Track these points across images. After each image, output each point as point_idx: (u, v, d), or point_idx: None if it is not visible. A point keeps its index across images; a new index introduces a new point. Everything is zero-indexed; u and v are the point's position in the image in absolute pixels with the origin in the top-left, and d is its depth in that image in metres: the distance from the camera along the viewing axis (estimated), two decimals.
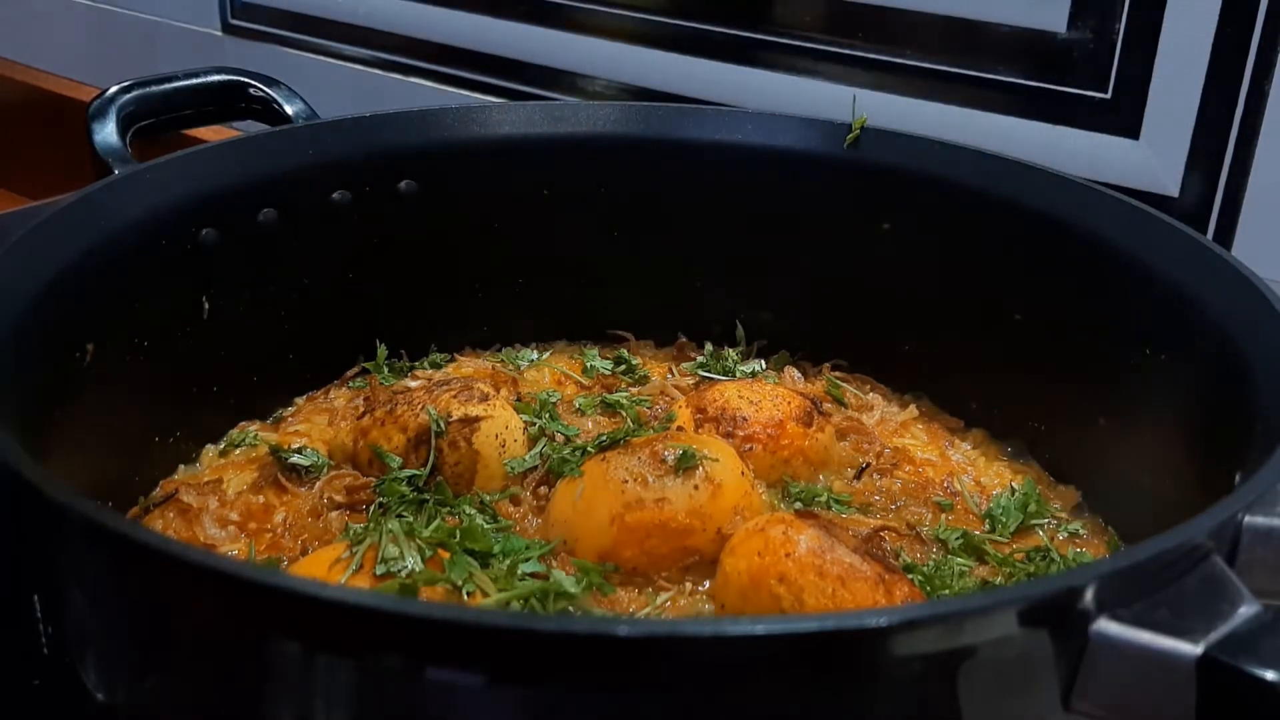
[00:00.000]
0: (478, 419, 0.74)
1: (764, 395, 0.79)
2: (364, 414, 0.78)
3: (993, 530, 0.74)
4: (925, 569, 0.69)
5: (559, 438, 0.78)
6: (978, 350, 0.87)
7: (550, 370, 0.93)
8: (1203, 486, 0.59)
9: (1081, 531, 0.76)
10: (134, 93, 0.90)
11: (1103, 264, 0.77)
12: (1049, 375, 0.83)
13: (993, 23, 0.98)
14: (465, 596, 0.59)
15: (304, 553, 0.69)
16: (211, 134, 1.18)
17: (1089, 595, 0.43)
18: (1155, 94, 0.92)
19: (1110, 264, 0.76)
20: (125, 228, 0.74)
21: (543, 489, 0.74)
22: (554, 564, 0.66)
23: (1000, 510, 0.76)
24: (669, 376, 0.91)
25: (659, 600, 0.66)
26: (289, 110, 0.95)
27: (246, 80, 0.96)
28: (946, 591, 0.67)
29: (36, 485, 0.47)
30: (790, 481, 0.77)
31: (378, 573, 0.58)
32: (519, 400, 0.84)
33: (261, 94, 0.96)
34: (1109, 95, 0.94)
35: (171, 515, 0.73)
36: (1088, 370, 0.79)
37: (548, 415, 0.81)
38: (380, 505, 0.71)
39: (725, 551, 0.64)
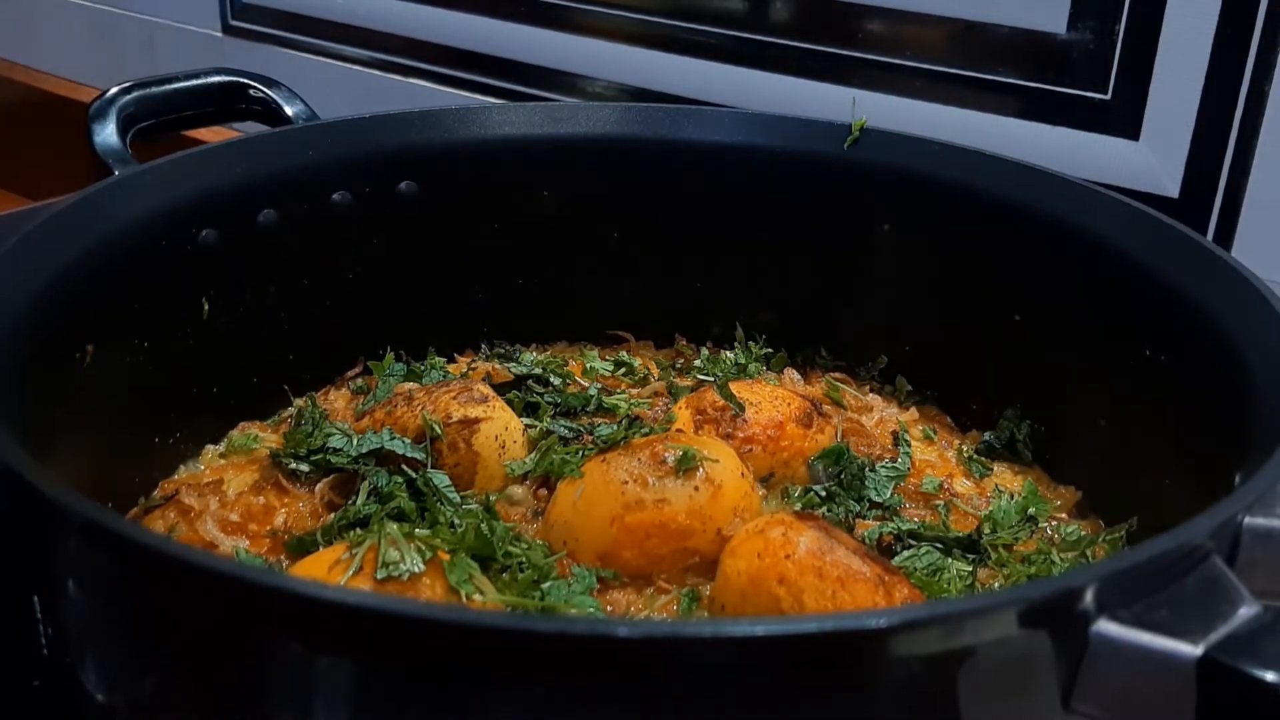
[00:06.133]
0: (477, 420, 0.74)
1: (764, 396, 0.79)
2: (364, 415, 0.78)
3: (992, 532, 0.74)
4: (925, 570, 0.69)
5: (559, 439, 0.78)
6: (977, 351, 0.87)
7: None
8: (1203, 487, 0.59)
9: (1081, 532, 0.76)
10: (134, 94, 0.90)
11: (1103, 264, 0.77)
12: (1049, 376, 0.83)
13: (992, 23, 0.98)
14: (465, 598, 0.59)
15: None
16: (211, 135, 1.18)
17: (1089, 596, 0.43)
18: (1155, 94, 0.92)
19: (1110, 264, 0.76)
20: (125, 228, 0.74)
21: (542, 490, 0.74)
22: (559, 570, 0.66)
23: (1000, 512, 0.76)
24: (668, 377, 0.91)
25: (659, 602, 0.66)
26: (289, 111, 0.95)
27: (246, 81, 0.96)
28: (946, 593, 0.67)
29: (36, 485, 0.47)
30: (790, 483, 0.77)
31: (379, 576, 0.58)
32: None
33: (261, 95, 0.96)
34: (1109, 95, 0.94)
35: (172, 516, 0.73)
36: (1088, 371, 0.79)
37: (547, 415, 0.81)
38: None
39: (725, 553, 0.64)
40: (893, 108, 1.04)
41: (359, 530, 0.65)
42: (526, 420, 0.79)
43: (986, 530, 0.74)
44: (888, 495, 0.76)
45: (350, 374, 0.91)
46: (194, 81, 0.94)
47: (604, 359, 0.93)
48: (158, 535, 0.48)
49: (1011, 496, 0.79)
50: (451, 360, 0.95)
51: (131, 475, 0.76)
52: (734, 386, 0.79)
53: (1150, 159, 0.93)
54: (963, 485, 0.80)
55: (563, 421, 0.80)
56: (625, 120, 0.94)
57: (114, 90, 0.90)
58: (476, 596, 0.59)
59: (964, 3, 0.99)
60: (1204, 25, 0.88)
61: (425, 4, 1.34)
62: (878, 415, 0.88)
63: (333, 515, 0.70)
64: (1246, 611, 0.44)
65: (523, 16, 1.27)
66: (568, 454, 0.73)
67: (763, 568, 0.60)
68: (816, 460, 0.77)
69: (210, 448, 0.83)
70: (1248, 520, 0.49)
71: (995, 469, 0.84)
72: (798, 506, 0.75)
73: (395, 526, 0.61)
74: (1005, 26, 0.98)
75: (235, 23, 1.54)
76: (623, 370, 0.92)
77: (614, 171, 0.94)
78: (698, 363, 0.94)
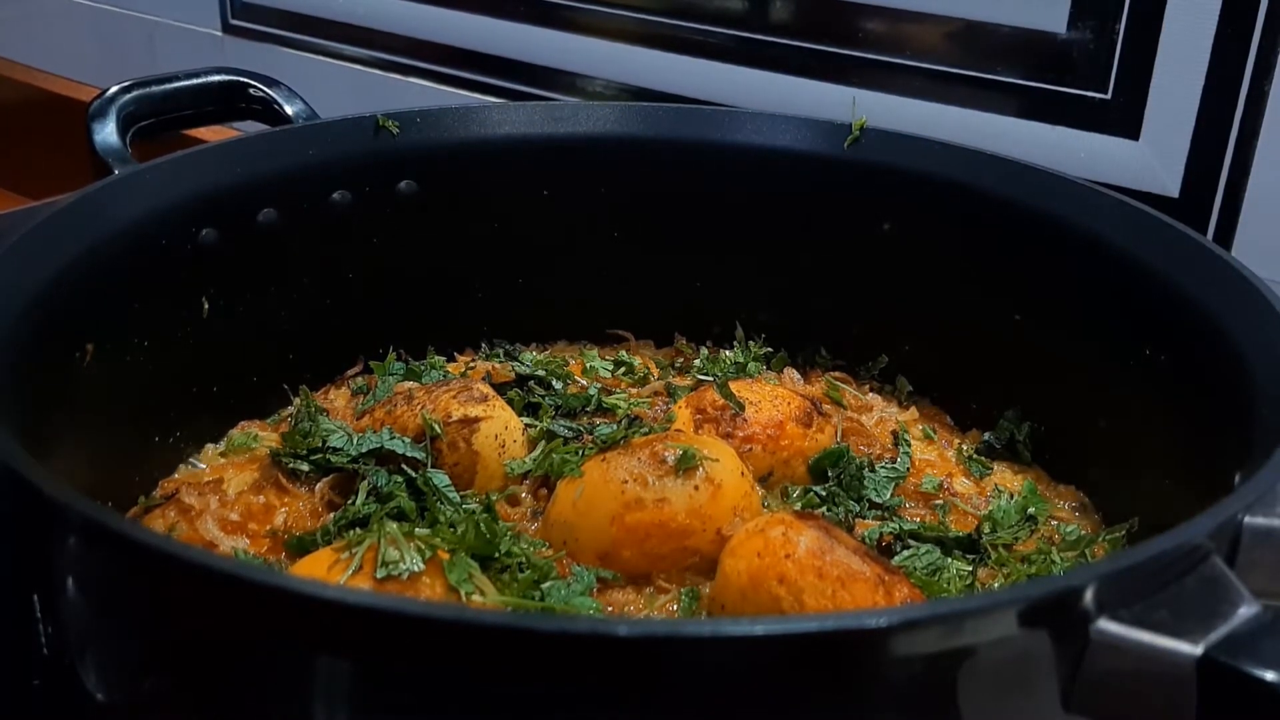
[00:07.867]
0: (477, 419, 0.74)
1: (763, 396, 0.79)
2: (363, 414, 0.78)
3: (992, 531, 0.74)
4: (925, 570, 0.69)
5: (559, 438, 0.78)
6: (977, 350, 0.87)
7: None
8: (1203, 487, 0.59)
9: (1081, 532, 0.76)
10: (134, 93, 0.90)
11: (1103, 264, 0.77)
12: (1049, 375, 0.83)
13: (993, 23, 0.98)
14: (464, 598, 0.59)
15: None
16: (211, 134, 1.18)
17: (1089, 595, 0.43)
18: (1155, 94, 0.92)
19: (1110, 264, 0.76)
20: (125, 228, 0.74)
21: (542, 490, 0.74)
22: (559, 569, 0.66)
23: (1000, 511, 0.76)
24: (668, 377, 0.91)
25: (659, 602, 0.66)
26: (289, 110, 0.95)
27: (246, 80, 0.96)
28: (946, 593, 0.67)
29: (36, 485, 0.47)
30: (790, 483, 0.77)
31: (379, 576, 0.58)
32: None
33: (261, 94, 0.96)
34: (1109, 95, 0.94)
35: (172, 515, 0.73)
36: (1088, 370, 0.79)
37: (547, 416, 0.81)
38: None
39: (725, 552, 0.64)
40: (893, 107, 1.04)
41: (359, 530, 0.65)
42: (526, 420, 0.79)
43: (986, 530, 0.74)
44: (887, 495, 0.76)
45: (350, 373, 0.91)
46: (194, 80, 0.94)
47: (604, 359, 0.93)
48: (157, 534, 0.48)
49: (1011, 496, 0.79)
50: (451, 360, 0.95)
51: (131, 475, 0.76)
52: (734, 386, 0.79)
53: (1150, 159, 0.93)
54: (962, 485, 0.80)
55: (563, 421, 0.80)
56: (625, 120, 0.94)
57: (114, 89, 0.89)
58: (476, 596, 0.59)
59: (964, 2, 0.99)
60: (1204, 25, 0.88)
61: (425, 4, 1.34)
62: (878, 415, 0.88)
63: (332, 515, 0.70)
64: (1246, 611, 0.44)
65: (523, 16, 1.27)
66: (568, 454, 0.73)
67: (763, 567, 0.60)
68: (817, 462, 0.77)
69: (210, 447, 0.83)
70: (1248, 520, 0.49)
71: (995, 469, 0.84)
72: (798, 506, 0.75)
73: (395, 526, 0.61)
74: (1005, 26, 0.98)
75: (235, 22, 1.54)
76: (622, 370, 0.92)
77: (614, 171, 0.94)
78: (697, 362, 0.94)
